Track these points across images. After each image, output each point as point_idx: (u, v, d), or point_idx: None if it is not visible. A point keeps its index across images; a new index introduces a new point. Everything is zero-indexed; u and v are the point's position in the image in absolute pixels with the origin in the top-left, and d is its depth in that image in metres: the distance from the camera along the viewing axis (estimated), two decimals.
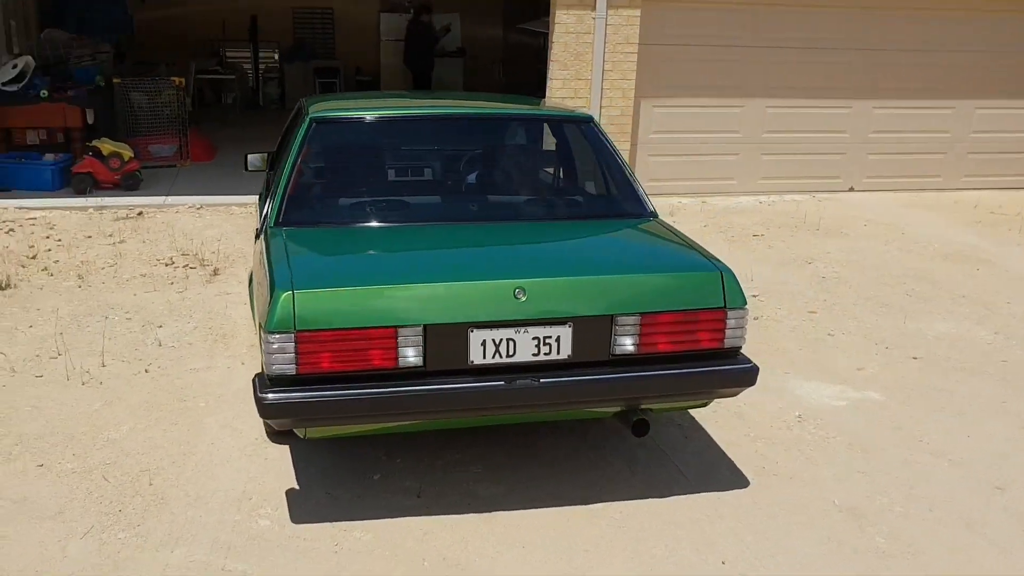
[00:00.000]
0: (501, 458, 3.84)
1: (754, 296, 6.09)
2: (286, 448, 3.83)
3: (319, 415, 3.11)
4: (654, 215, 4.12)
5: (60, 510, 3.37)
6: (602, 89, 8.80)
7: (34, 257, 6.73)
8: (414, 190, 4.16)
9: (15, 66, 8.80)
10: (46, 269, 6.42)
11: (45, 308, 5.56)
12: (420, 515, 3.41)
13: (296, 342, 3.04)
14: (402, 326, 3.12)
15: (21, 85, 8.82)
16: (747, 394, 4.39)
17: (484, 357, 3.21)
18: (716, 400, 4.25)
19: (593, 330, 3.30)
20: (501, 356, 3.22)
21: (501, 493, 3.58)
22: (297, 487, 3.58)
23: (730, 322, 3.42)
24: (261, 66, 14.17)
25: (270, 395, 3.04)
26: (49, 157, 8.71)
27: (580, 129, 4.41)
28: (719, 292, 3.40)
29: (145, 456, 3.78)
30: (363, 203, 3.95)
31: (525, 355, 3.24)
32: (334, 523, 3.34)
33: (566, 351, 3.28)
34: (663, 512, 3.50)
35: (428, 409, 3.19)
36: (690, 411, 4.36)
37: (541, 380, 3.22)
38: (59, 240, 7.24)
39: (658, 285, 3.40)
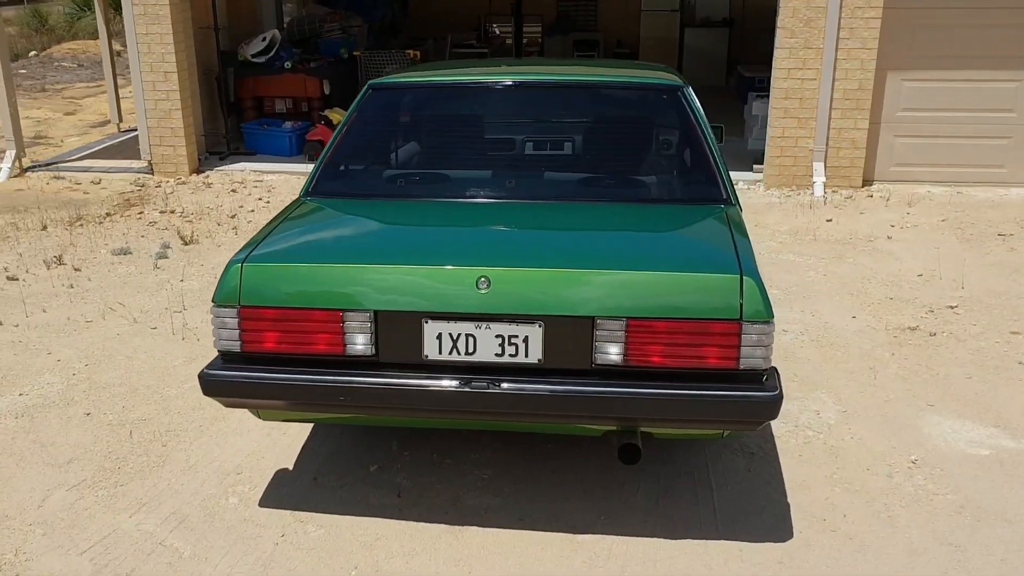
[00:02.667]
0: (518, 467, 3.44)
1: (951, 308, 5.06)
2: (308, 426, 3.70)
3: (258, 398, 2.92)
4: (730, 203, 3.47)
5: (71, 459, 3.49)
6: (836, 60, 7.77)
7: (233, 216, 7.20)
8: (458, 162, 3.82)
9: (264, 39, 9.48)
10: (235, 228, 6.83)
11: (208, 265, 5.89)
12: (387, 517, 3.13)
13: (240, 318, 2.87)
14: (349, 310, 2.84)
15: (268, 56, 9.48)
16: (860, 425, 3.63)
17: (440, 353, 2.84)
18: (805, 430, 3.56)
19: (569, 333, 2.80)
20: (459, 353, 2.83)
21: (490, 506, 3.20)
22: (290, 468, 3.43)
23: (747, 338, 2.75)
24: (524, 40, 14.23)
25: (208, 371, 2.90)
26: (288, 125, 9.34)
27: (665, 99, 3.81)
28: (735, 300, 2.75)
29: (181, 417, 3.83)
30: (398, 175, 3.70)
31: (487, 355, 2.83)
32: (296, 512, 3.15)
33: (536, 354, 2.82)
34: (660, 557, 2.94)
35: (376, 404, 2.89)
36: (775, 437, 3.66)
37: (502, 385, 2.79)
38: (267, 202, 7.70)
39: (653, 285, 2.80)
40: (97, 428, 3.72)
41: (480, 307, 2.79)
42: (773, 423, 3.79)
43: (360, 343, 2.85)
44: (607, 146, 3.82)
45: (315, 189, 3.58)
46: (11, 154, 8.86)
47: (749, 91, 9.46)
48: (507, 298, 2.79)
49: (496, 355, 2.82)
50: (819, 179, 7.95)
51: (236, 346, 2.90)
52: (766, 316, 2.74)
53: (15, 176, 8.80)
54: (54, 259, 5.94)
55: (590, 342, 2.79)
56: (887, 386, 4.15)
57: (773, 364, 2.95)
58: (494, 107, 3.90)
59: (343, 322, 2.84)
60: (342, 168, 3.67)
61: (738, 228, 3.18)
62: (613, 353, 2.79)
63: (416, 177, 3.72)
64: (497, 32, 14.44)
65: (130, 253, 6.10)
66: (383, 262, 2.89)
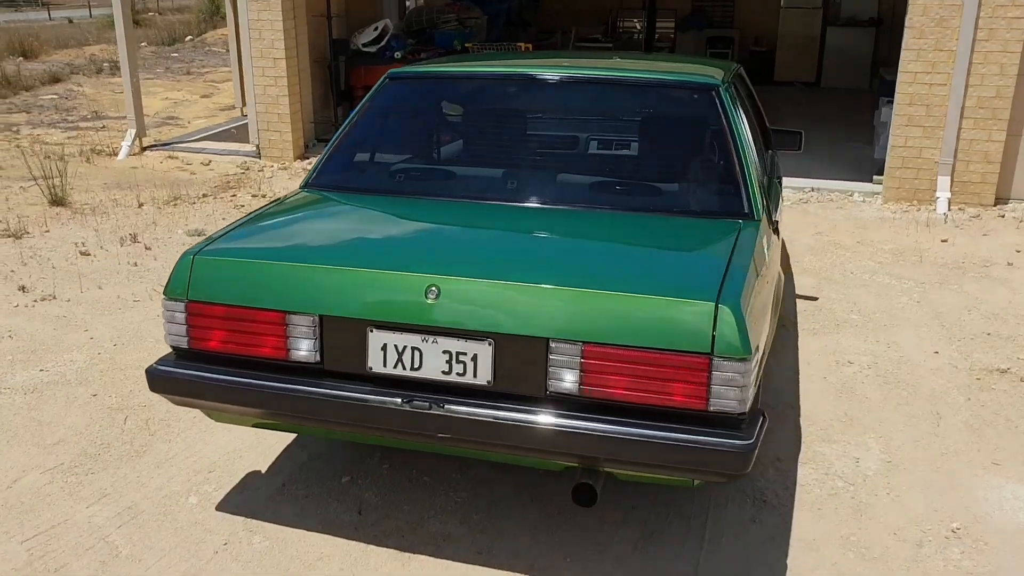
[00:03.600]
0: (498, 492, 3.17)
1: None
2: None
3: (201, 399, 2.77)
4: (752, 217, 3.07)
5: (60, 440, 3.48)
6: (970, 63, 7.03)
7: None
8: (463, 159, 3.56)
9: (376, 28, 9.49)
10: None
11: None
12: (339, 535, 2.93)
13: (187, 313, 2.74)
14: (293, 312, 2.65)
15: (379, 46, 9.49)
16: (903, 479, 3.19)
17: (384, 365, 2.61)
18: (835, 479, 3.14)
19: (522, 354, 2.51)
20: (404, 368, 2.59)
21: (452, 534, 2.95)
22: (262, 471, 3.29)
23: (717, 376, 2.39)
24: (656, 35, 13.77)
25: (155, 366, 2.78)
26: None
27: (695, 99, 3.43)
28: (706, 331, 2.38)
29: (178, 407, 3.75)
30: (398, 170, 3.47)
31: (433, 372, 2.58)
32: (249, 520, 3.00)
33: (485, 375, 2.54)
34: None
35: (317, 416, 2.69)
36: (797, 484, 3.24)
37: (446, 407, 2.54)
38: None
39: (614, 306, 2.46)
40: (96, 411, 3.70)
41: (427, 319, 2.54)
42: (801, 469, 3.37)
43: (304, 349, 2.66)
44: (623, 149, 3.49)
45: (315, 180, 3.42)
46: (132, 133, 9.23)
47: (883, 95, 8.75)
48: (456, 311, 2.53)
49: (443, 373, 2.57)
50: (943, 195, 7.23)
51: (184, 342, 2.77)
52: (741, 352, 2.36)
53: (134, 154, 9.15)
54: (129, 236, 6.07)
55: (544, 366, 2.49)
56: (950, 436, 3.63)
57: (760, 408, 2.58)
58: (509, 102, 3.62)
59: (287, 325, 2.65)
60: (346, 160, 3.49)
61: (744, 248, 2.79)
62: (568, 381, 2.48)
63: (416, 173, 3.50)
64: (627, 27, 14.03)
65: (203, 235, 6.17)
66: (331, 263, 2.68)
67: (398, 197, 3.30)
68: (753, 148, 3.34)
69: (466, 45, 9.91)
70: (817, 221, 6.89)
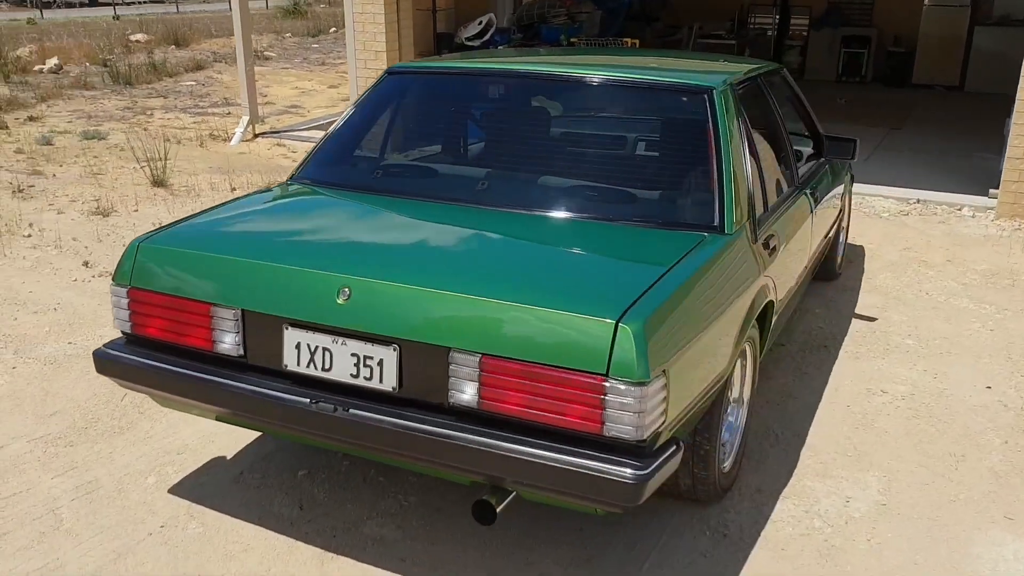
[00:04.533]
0: (449, 499, 3.09)
1: None
2: None
3: (140, 384, 2.82)
4: (722, 231, 2.86)
5: (56, 412, 3.64)
6: None
7: None
8: (442, 158, 3.46)
9: (480, 22, 9.52)
10: None
11: None
12: (272, 528, 2.93)
13: (129, 299, 2.80)
14: (217, 305, 2.66)
15: (483, 40, 9.51)
16: (892, 526, 2.97)
17: (298, 364, 2.58)
18: (815, 518, 2.91)
19: (426, 362, 2.42)
20: (316, 367, 2.56)
21: (384, 539, 2.89)
22: (227, 458, 3.34)
23: (612, 399, 2.22)
24: (789, 33, 13.20)
25: (103, 348, 2.86)
26: None
27: (683, 102, 3.21)
28: (603, 350, 2.23)
29: None
30: (377, 167, 3.42)
31: (343, 374, 2.53)
32: (195, 504, 3.04)
33: (391, 381, 2.47)
34: None
35: (238, 410, 2.68)
36: (770, 520, 3.01)
37: (350, 411, 2.48)
38: None
39: (514, 318, 2.32)
40: (101, 386, 3.85)
41: (337, 320, 2.49)
42: (781, 503, 3.12)
43: (228, 342, 2.67)
44: (604, 153, 3.32)
45: (301, 174, 3.43)
46: (245, 120, 9.62)
47: None
48: (365, 313, 2.47)
49: (351, 376, 2.51)
50: None
51: (128, 327, 2.83)
52: (638, 375, 2.20)
53: (246, 140, 9.54)
54: None
55: (445, 377, 2.40)
56: (967, 482, 3.28)
57: (676, 438, 2.40)
58: (499, 100, 3.51)
59: (212, 317, 2.67)
60: (333, 155, 3.48)
61: (691, 264, 2.60)
62: (468, 393, 2.38)
63: (393, 170, 3.44)
64: (759, 24, 13.49)
65: None
66: (254, 257, 2.67)
67: (367, 194, 3.26)
68: (747, 157, 3.10)
69: (571, 40, 9.78)
70: (911, 235, 6.41)
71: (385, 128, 3.56)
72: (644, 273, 2.52)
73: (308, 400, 2.52)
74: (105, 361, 2.83)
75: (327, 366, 2.53)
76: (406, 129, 3.66)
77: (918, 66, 12.41)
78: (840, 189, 4.87)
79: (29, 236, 5.84)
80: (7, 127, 9.79)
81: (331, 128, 3.53)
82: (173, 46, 16.31)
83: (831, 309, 4.99)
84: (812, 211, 3.91)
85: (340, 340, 2.50)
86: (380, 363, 2.46)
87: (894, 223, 6.76)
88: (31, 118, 10.43)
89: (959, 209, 7.09)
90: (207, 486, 3.16)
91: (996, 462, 3.42)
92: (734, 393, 3.21)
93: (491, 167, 3.34)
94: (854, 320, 4.84)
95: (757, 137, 3.59)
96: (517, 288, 2.44)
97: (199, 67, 14.38)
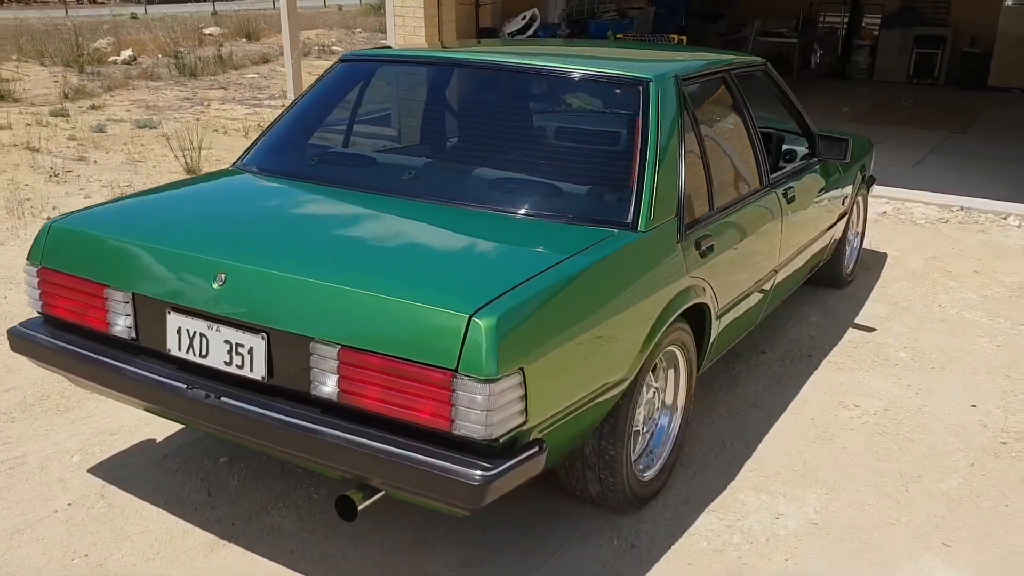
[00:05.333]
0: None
1: None
2: None
3: (47, 363, 2.84)
4: (633, 228, 2.73)
5: (11, 388, 3.72)
6: None
7: None
8: (382, 146, 3.40)
9: (523, 17, 9.44)
10: None
11: None
12: (174, 513, 2.92)
13: (39, 278, 2.83)
14: (111, 287, 2.66)
15: (527, 35, 9.43)
16: (816, 547, 2.88)
17: (179, 348, 2.56)
18: (736, 534, 2.78)
19: (291, 352, 2.37)
20: (194, 353, 2.53)
21: (281, 529, 2.85)
22: (157, 441, 3.35)
23: (461, 396, 2.13)
24: (860, 32, 12.72)
25: (17, 326, 2.90)
26: None
27: (618, 94, 3.09)
28: (454, 345, 2.14)
29: None
30: (315, 155, 3.36)
31: (217, 360, 2.50)
32: (108, 485, 3.06)
33: (260, 370, 2.43)
34: None
35: (127, 393, 2.68)
36: (688, 533, 2.87)
37: (221, 398, 2.45)
38: None
39: (372, 308, 2.25)
40: None
41: (212, 306, 2.46)
42: (705, 516, 2.98)
43: (121, 324, 2.67)
44: (530, 144, 3.21)
45: (243, 160, 3.42)
46: None
47: None
48: (237, 300, 2.43)
49: (225, 363, 2.48)
50: None
51: (39, 306, 2.86)
52: (486, 372, 2.10)
53: None
54: None
55: (308, 368, 2.34)
56: (914, 504, 3.07)
57: (540, 439, 2.29)
58: (438, 90, 3.43)
59: (106, 299, 2.67)
60: (276, 141, 3.45)
61: (579, 261, 2.48)
62: (329, 385, 2.32)
63: (328, 158, 3.37)
64: (830, 22, 13.04)
65: None
66: (145, 241, 2.66)
67: (296, 182, 3.20)
68: (682, 154, 2.95)
69: (617, 36, 9.62)
70: (942, 244, 6.08)
71: (330, 116, 3.52)
72: (522, 268, 2.41)
73: (185, 386, 2.50)
74: (17, 339, 2.87)
75: (204, 352, 2.51)
76: (350, 117, 3.61)
77: (995, 68, 11.79)
78: (842, 191, 4.64)
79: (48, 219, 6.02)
80: (68, 115, 10.16)
81: (280, 115, 3.51)
82: (244, 39, 16.70)
83: (829, 317, 4.75)
84: (784, 213, 3.71)
85: (215, 326, 2.47)
86: (250, 351, 2.43)
87: (929, 230, 6.42)
88: (93, 107, 10.80)
89: (1004, 218, 6.70)
90: (128, 467, 3.18)
91: (953, 485, 3.19)
92: (666, 399, 3.08)
93: (419, 156, 3.28)
94: (851, 330, 4.60)
95: (713, 133, 3.43)
96: (378, 278, 2.37)
97: (265, 60, 14.69)
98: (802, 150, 4.35)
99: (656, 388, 3.03)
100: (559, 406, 2.37)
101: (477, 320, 2.13)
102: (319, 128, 3.44)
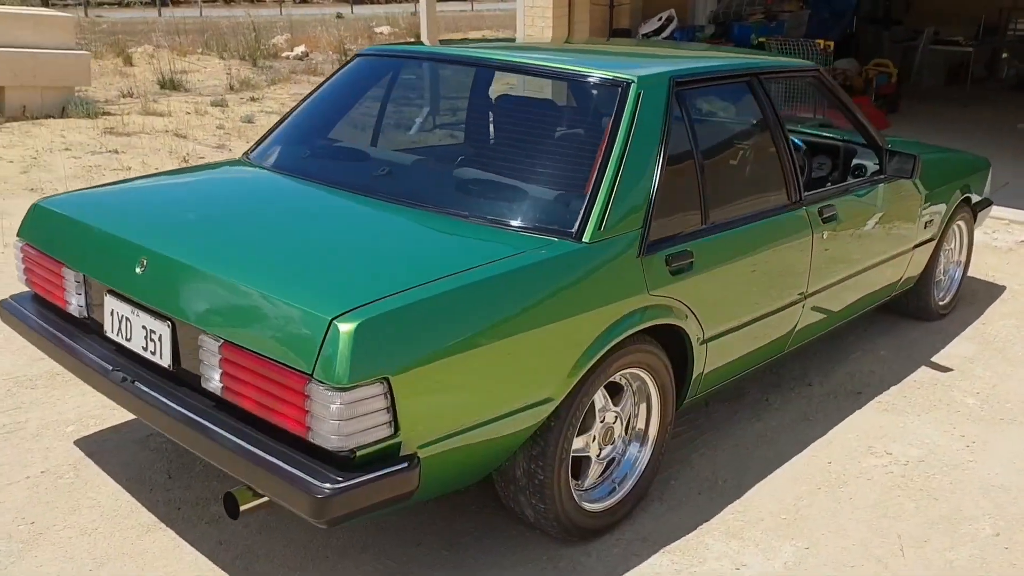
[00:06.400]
0: None
1: None
2: None
3: (25, 336, 2.97)
4: (577, 239, 2.55)
5: (44, 357, 3.93)
6: None
7: None
8: (367, 141, 3.31)
9: (660, 18, 9.17)
10: None
11: None
12: (131, 492, 2.98)
13: (22, 253, 2.97)
14: (66, 267, 2.75)
15: (661, 36, 9.17)
16: None
17: (112, 331, 2.62)
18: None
19: (189, 342, 2.37)
20: (123, 336, 2.58)
21: (224, 520, 2.86)
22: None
23: (316, 405, 2.04)
24: None
25: (7, 299, 3.06)
26: None
27: (595, 96, 2.88)
28: (312, 348, 2.05)
29: None
30: (302, 149, 3.31)
31: (137, 345, 2.53)
32: (86, 458, 3.17)
33: (167, 358, 2.44)
34: None
35: (75, 371, 2.75)
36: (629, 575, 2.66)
37: (135, 383, 2.48)
38: None
39: (248, 303, 2.21)
40: None
41: (133, 290, 2.50)
42: (658, 557, 2.75)
43: (75, 303, 2.76)
44: (496, 145, 3.06)
45: (249, 152, 3.46)
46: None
47: None
48: (153, 286, 2.46)
49: (142, 348, 2.51)
50: None
51: (24, 278, 3.01)
52: (338, 379, 2.01)
53: None
54: None
55: (200, 360, 2.33)
56: (901, 573, 2.70)
57: (413, 454, 2.17)
58: (430, 87, 3.33)
59: (63, 278, 2.77)
60: (282, 135, 3.45)
61: (491, 269, 2.33)
62: (215, 379, 2.29)
63: (314, 152, 3.33)
64: (1020, 30, 11.90)
65: None
66: (95, 224, 2.72)
67: (274, 174, 3.16)
68: (661, 162, 2.73)
69: (760, 40, 9.16)
70: None
71: (338, 110, 3.50)
72: (417, 273, 2.28)
73: (111, 367, 2.55)
74: (6, 312, 3.02)
75: (129, 336, 2.55)
76: (349, 112, 3.57)
77: None
78: (927, 214, 4.17)
79: None
80: (226, 105, 10.80)
81: (292, 109, 3.53)
82: (413, 39, 17.19)
83: (902, 352, 4.30)
84: (817, 233, 3.37)
85: (136, 311, 2.50)
86: (160, 338, 2.44)
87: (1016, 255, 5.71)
88: (252, 98, 11.42)
89: None
90: (110, 442, 3.29)
91: (962, 556, 2.78)
92: (638, 427, 2.86)
93: (392, 153, 3.20)
94: (923, 368, 4.14)
95: (719, 142, 3.17)
96: (262, 274, 2.31)
97: None
98: (874, 166, 3.95)
99: (617, 413, 2.81)
100: (451, 422, 2.23)
101: (337, 324, 2.04)
102: (321, 122, 3.42)
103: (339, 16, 25.33)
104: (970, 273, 5.34)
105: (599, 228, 2.56)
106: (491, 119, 3.22)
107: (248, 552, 2.72)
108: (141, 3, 30.68)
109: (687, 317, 2.83)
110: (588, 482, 2.80)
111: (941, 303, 4.70)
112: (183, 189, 3.20)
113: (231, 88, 12.03)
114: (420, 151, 3.19)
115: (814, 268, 3.41)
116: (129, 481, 3.05)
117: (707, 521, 2.93)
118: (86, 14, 24.69)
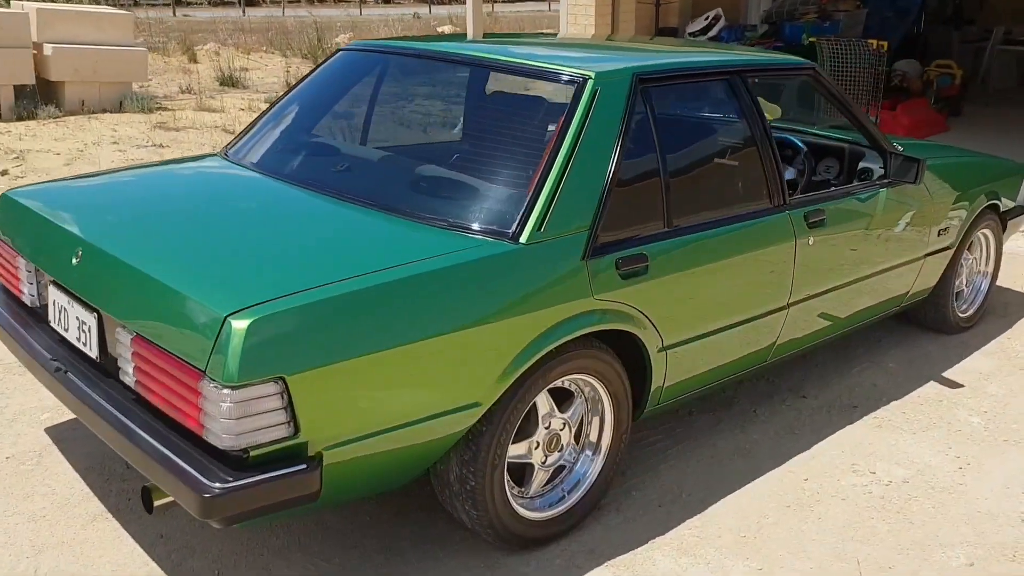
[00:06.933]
0: None
1: None
2: None
3: None
4: (515, 240, 2.47)
5: None
6: None
7: None
8: (332, 137, 3.26)
9: (706, 17, 8.98)
10: None
11: None
12: (84, 483, 3.00)
13: None
14: (20, 256, 2.79)
15: (708, 36, 8.97)
16: None
17: (55, 321, 2.64)
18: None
19: (111, 335, 2.36)
20: (62, 326, 2.60)
21: (173, 514, 2.81)
22: None
23: (207, 400, 2.01)
24: None
25: None
26: None
27: (551, 92, 2.79)
28: (206, 344, 2.02)
29: None
30: (274, 144, 3.27)
31: (72, 335, 2.54)
32: (53, 446, 3.20)
33: (95, 349, 2.45)
34: None
35: (24, 362, 2.78)
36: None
37: (67, 373, 2.49)
38: None
39: (155, 295, 2.19)
40: None
41: (69, 281, 2.52)
42: (600, 570, 2.66)
43: (27, 292, 2.79)
44: (446, 142, 2.99)
45: (227, 147, 3.45)
46: None
47: None
48: (84, 277, 2.46)
49: (77, 339, 2.53)
50: None
51: None
52: (227, 377, 1.97)
53: None
54: None
55: (118, 353, 2.32)
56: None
57: (315, 456, 2.12)
58: (390, 81, 3.28)
59: (18, 268, 2.80)
60: (257, 130, 3.43)
61: (403, 272, 2.27)
62: (129, 373, 2.29)
63: (278, 148, 3.29)
64: None
65: None
66: (47, 214, 2.74)
67: (238, 169, 3.14)
68: (614, 161, 2.63)
69: (810, 39, 8.88)
70: None
71: (315, 105, 3.48)
72: (331, 271, 2.23)
73: (49, 356, 2.57)
74: None
75: (66, 326, 2.56)
76: (325, 107, 3.53)
77: None
78: (942, 220, 3.96)
79: None
80: None
81: (270, 105, 3.52)
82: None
83: (912, 366, 4.09)
84: (802, 240, 3.22)
85: (72, 302, 2.51)
86: (88, 329, 2.45)
87: None
88: None
89: None
90: (80, 430, 3.31)
91: None
92: (591, 436, 2.77)
93: (354, 150, 3.16)
94: (931, 383, 3.93)
95: (689, 142, 3.05)
96: (172, 268, 2.30)
97: None
98: (878, 168, 3.77)
99: (565, 420, 2.72)
100: (361, 424, 2.18)
101: (231, 321, 2.00)
102: (294, 118, 3.39)
103: (416, 16, 25.59)
104: (1007, 285, 5.08)
105: (538, 229, 2.48)
106: (455, 115, 3.16)
107: (186, 547, 2.71)
108: (226, 3, 31.31)
109: (643, 324, 2.72)
110: (533, 489, 2.72)
111: (963, 315, 4.46)
112: (143, 183, 3.21)
113: (287, 85, 12.20)
114: (382, 148, 3.14)
115: (798, 276, 3.25)
116: (88, 471, 3.08)
117: (661, 535, 2.82)
118: (174, 13, 25.37)
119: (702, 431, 3.46)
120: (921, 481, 3.15)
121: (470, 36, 9.43)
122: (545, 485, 2.76)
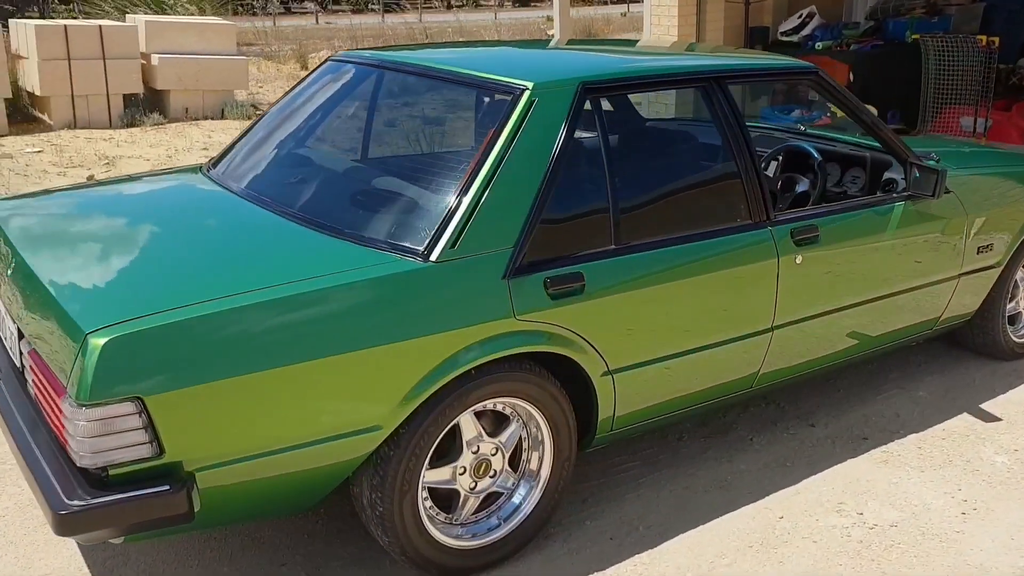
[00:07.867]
0: None
1: None
2: None
3: None
4: (425, 257, 2.37)
5: None
6: None
7: None
8: (293, 149, 3.21)
9: (799, 16, 8.56)
10: None
11: None
12: None
13: None
14: None
15: (801, 36, 8.55)
16: None
17: (4, 337, 2.71)
18: None
19: (25, 347, 2.41)
20: (4, 336, 2.68)
21: None
22: None
23: (67, 421, 2.01)
24: None
25: None
26: (797, 112, 8.37)
27: (486, 103, 2.69)
28: (68, 361, 2.03)
29: None
30: (243, 158, 3.23)
31: (10, 345, 2.61)
32: None
33: (18, 358, 2.51)
34: None
35: None
36: None
37: (10, 393, 2.56)
38: None
39: (49, 313, 2.20)
40: None
41: (3, 291, 2.59)
42: None
43: None
44: (394, 157, 2.90)
45: (208, 164, 3.46)
46: None
47: None
48: (14, 287, 2.53)
49: (10, 348, 2.60)
50: None
51: None
52: (81, 396, 1.97)
53: None
54: None
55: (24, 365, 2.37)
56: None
57: (183, 483, 2.10)
58: (371, 95, 3.21)
59: None
60: (235, 143, 3.43)
61: (290, 289, 2.21)
62: (31, 384, 2.33)
63: (255, 162, 3.27)
64: None
65: None
66: (6, 226, 2.82)
67: (207, 183, 3.14)
68: (544, 178, 2.50)
69: (914, 36, 8.32)
70: None
71: (297, 117, 3.46)
72: (210, 289, 2.20)
73: None
74: None
75: (7, 335, 2.64)
76: (304, 119, 3.50)
77: None
78: (970, 236, 3.61)
79: None
80: None
81: (256, 119, 3.53)
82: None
83: (947, 395, 3.74)
84: (787, 258, 2.98)
85: (6, 312, 2.59)
86: (13, 339, 2.51)
87: None
88: None
89: None
90: None
91: None
92: (530, 464, 2.65)
93: (299, 163, 3.12)
94: (964, 415, 3.58)
95: (650, 154, 2.88)
96: (63, 284, 2.32)
97: None
98: (900, 178, 3.47)
99: (497, 445, 2.60)
100: (239, 446, 2.14)
101: (90, 338, 2.00)
102: (271, 131, 3.36)
103: (548, 19, 25.60)
104: None
105: (452, 247, 2.38)
106: (409, 127, 3.08)
107: (122, 554, 2.74)
108: (372, 10, 31.87)
109: (581, 347, 2.58)
110: (463, 516, 2.61)
111: (1019, 340, 4.05)
112: (97, 198, 3.23)
113: None
114: (330, 160, 3.10)
115: (784, 297, 3.01)
116: None
117: (600, 571, 2.66)
118: (317, 21, 26.22)
119: (686, 459, 3.26)
120: (912, 526, 2.86)
121: (557, 38, 9.33)
122: (478, 512, 2.65)
